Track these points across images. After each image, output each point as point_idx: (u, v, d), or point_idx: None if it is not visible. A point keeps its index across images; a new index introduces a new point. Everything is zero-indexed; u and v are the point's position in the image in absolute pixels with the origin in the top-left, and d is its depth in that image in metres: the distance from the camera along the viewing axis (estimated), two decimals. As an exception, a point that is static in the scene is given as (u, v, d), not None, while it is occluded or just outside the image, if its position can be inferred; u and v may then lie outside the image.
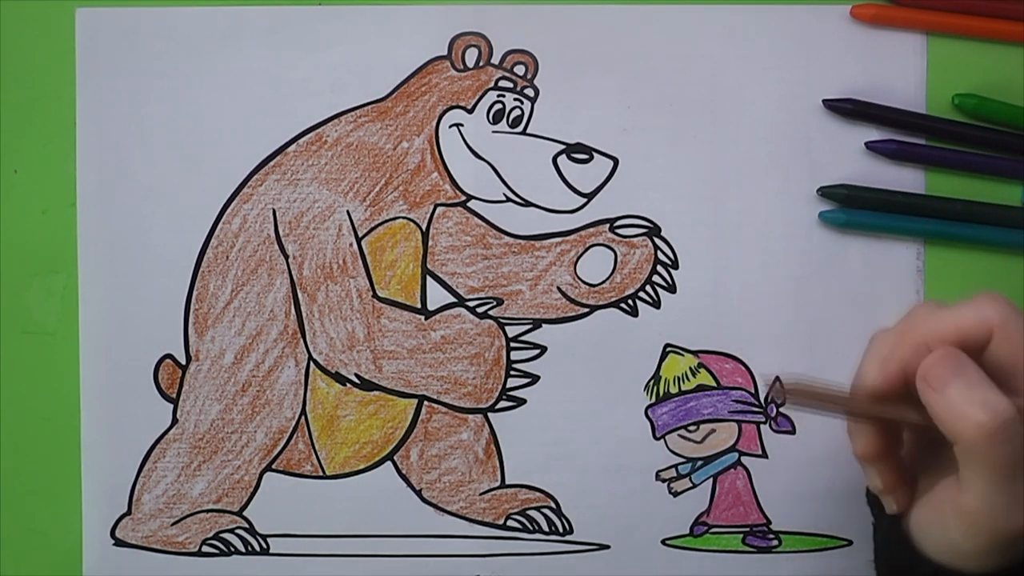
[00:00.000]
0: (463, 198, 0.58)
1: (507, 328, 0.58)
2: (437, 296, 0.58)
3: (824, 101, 0.57)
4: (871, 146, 0.57)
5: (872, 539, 0.52)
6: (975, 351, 0.45)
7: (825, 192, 0.57)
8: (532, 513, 0.58)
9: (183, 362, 0.58)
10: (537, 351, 0.58)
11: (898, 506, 0.49)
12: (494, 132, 0.58)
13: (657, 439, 0.58)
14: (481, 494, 0.59)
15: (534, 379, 0.58)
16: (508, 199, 0.58)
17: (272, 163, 0.58)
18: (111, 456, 0.58)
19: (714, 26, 0.57)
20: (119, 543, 0.59)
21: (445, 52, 0.58)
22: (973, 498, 0.44)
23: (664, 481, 0.58)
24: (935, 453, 0.49)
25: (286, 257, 0.58)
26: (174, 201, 0.58)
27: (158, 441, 0.58)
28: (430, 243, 0.58)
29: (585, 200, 0.58)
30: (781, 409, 0.58)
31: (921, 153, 0.57)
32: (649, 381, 0.58)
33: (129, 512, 0.59)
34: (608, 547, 0.58)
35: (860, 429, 0.49)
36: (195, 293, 0.58)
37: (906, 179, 0.58)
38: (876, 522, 0.52)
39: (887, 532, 0.50)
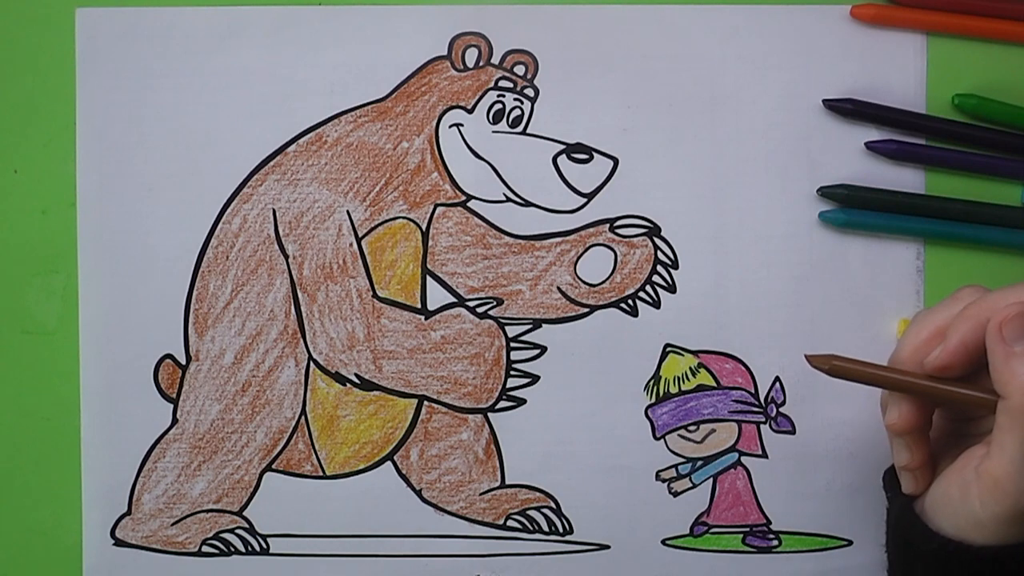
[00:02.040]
0: (463, 198, 0.58)
1: (507, 328, 0.58)
2: (437, 296, 0.58)
3: (824, 101, 0.57)
4: (871, 146, 0.57)
5: (885, 523, 0.53)
6: None
7: (825, 192, 0.57)
8: (532, 513, 0.58)
9: (183, 362, 0.58)
10: (537, 351, 0.58)
11: (917, 485, 0.50)
12: (494, 132, 0.58)
13: (657, 439, 0.58)
14: (481, 494, 0.59)
15: (534, 379, 0.58)
16: (508, 199, 0.58)
17: (272, 163, 0.58)
18: (111, 456, 0.58)
19: (714, 26, 0.57)
20: (119, 543, 0.59)
21: (445, 52, 0.58)
22: (1002, 463, 0.45)
23: (664, 481, 0.58)
24: (961, 439, 0.50)
25: (286, 257, 0.58)
26: (174, 201, 0.58)
27: (158, 441, 0.58)
28: (430, 243, 0.58)
29: (585, 200, 0.58)
30: (782, 409, 0.58)
31: (921, 153, 0.57)
32: (649, 381, 0.58)
33: (129, 512, 0.59)
34: (608, 547, 0.58)
35: (896, 401, 0.50)
36: (195, 293, 0.58)
37: (906, 179, 0.58)
38: (890, 504, 0.52)
39: (899, 511, 0.51)
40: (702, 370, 0.58)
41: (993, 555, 0.46)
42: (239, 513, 0.59)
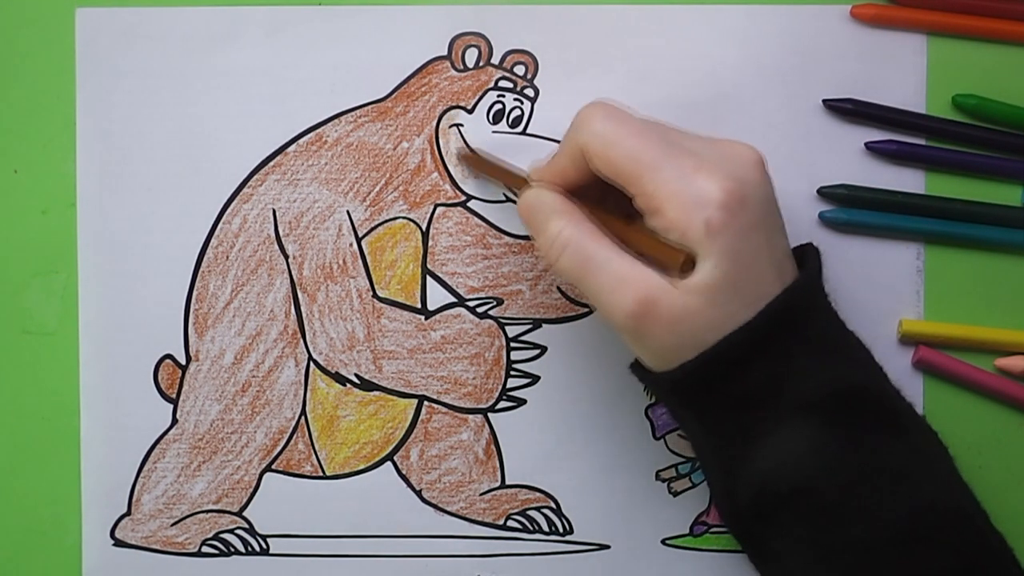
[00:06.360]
0: (463, 198, 0.58)
1: (507, 328, 0.58)
2: (437, 296, 0.58)
3: (824, 101, 0.57)
4: (871, 146, 0.57)
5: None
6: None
7: (825, 192, 0.57)
8: (532, 513, 0.58)
9: (183, 362, 0.58)
10: (537, 351, 0.58)
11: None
12: (494, 132, 0.58)
13: (657, 439, 0.58)
14: (481, 494, 0.59)
15: (534, 379, 0.58)
16: (508, 199, 0.58)
17: (272, 163, 0.58)
18: (111, 456, 0.58)
19: (714, 26, 0.57)
20: (119, 543, 0.59)
21: (445, 52, 0.58)
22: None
23: (664, 481, 0.58)
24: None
25: (286, 257, 0.58)
26: (174, 201, 0.58)
27: (158, 441, 0.58)
28: (430, 243, 0.58)
29: (585, 200, 0.58)
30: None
31: (921, 153, 0.57)
32: (649, 381, 0.58)
33: (129, 512, 0.59)
34: (608, 547, 0.58)
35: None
36: (195, 293, 0.58)
37: (906, 179, 0.58)
38: (642, 381, 0.53)
39: (643, 379, 0.52)
40: (702, 370, 0.58)
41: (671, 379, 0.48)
42: (239, 513, 0.58)
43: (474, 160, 0.57)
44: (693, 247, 0.46)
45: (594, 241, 0.49)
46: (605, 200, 0.51)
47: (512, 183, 0.54)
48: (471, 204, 0.58)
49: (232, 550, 0.58)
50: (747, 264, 0.47)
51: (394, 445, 0.58)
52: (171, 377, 0.58)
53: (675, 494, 0.58)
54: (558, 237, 0.49)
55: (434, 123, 0.58)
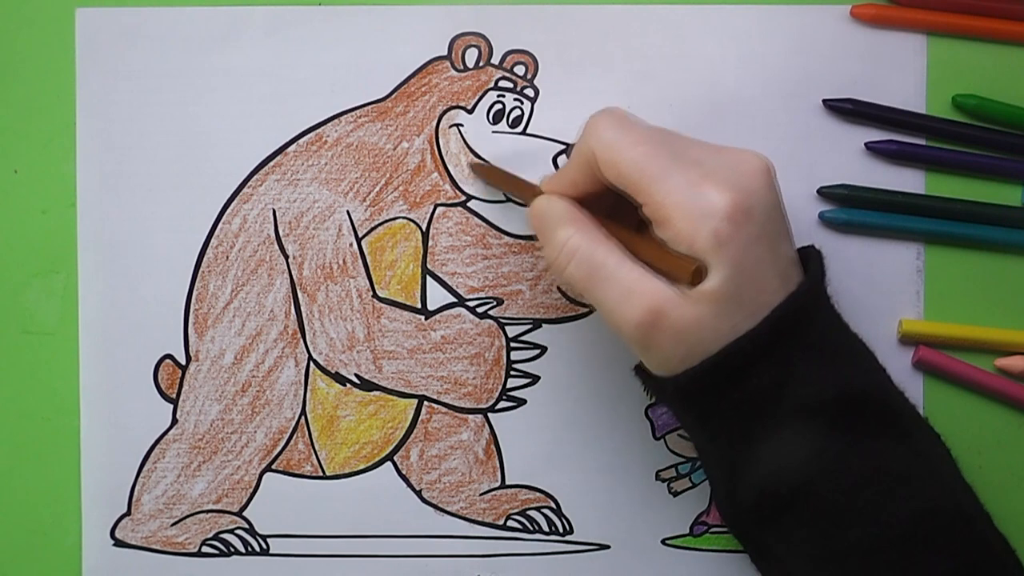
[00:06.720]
0: (463, 198, 0.58)
1: (507, 328, 0.58)
2: (437, 296, 0.58)
3: (824, 101, 0.57)
4: (871, 146, 0.57)
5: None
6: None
7: (825, 192, 0.57)
8: (532, 513, 0.58)
9: (183, 362, 0.58)
10: (537, 351, 0.58)
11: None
12: (494, 132, 0.58)
13: (657, 439, 0.58)
14: (481, 494, 0.59)
15: (534, 379, 0.58)
16: (508, 199, 0.58)
17: (272, 163, 0.58)
18: (111, 456, 0.58)
19: (714, 26, 0.57)
20: (119, 543, 0.59)
21: (445, 52, 0.58)
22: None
23: (664, 481, 0.58)
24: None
25: (286, 257, 0.58)
26: (174, 201, 0.58)
27: (158, 441, 0.58)
28: (430, 243, 0.58)
29: (585, 200, 0.58)
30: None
31: (921, 153, 0.57)
32: (649, 381, 0.58)
33: (129, 513, 0.59)
34: (608, 547, 0.58)
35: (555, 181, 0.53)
36: (195, 293, 0.58)
37: (906, 179, 0.58)
38: (647, 388, 0.52)
39: (647, 382, 0.52)
40: (702, 370, 0.58)
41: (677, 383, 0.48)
42: (239, 513, 0.58)
43: (485, 170, 0.57)
44: (701, 257, 0.46)
45: (602, 250, 0.48)
46: (616, 211, 0.51)
47: (523, 193, 0.54)
48: (471, 204, 0.58)
49: (232, 550, 0.58)
50: (753, 273, 0.47)
51: (394, 445, 0.58)
52: (171, 377, 0.58)
53: (675, 494, 0.58)
54: (566, 245, 0.49)
55: (434, 123, 0.58)
